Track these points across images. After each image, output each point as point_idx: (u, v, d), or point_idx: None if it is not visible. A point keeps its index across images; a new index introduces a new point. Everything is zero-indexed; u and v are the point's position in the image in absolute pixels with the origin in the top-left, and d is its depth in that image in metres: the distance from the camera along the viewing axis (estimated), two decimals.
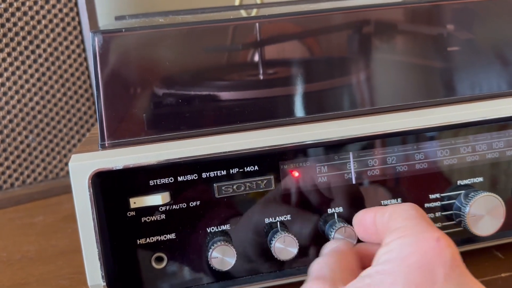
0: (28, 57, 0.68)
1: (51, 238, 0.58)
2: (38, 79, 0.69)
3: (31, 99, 0.69)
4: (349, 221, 0.41)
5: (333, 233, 0.40)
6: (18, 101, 0.68)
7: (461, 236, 0.44)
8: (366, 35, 0.47)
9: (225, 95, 0.43)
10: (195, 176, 0.40)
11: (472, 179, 0.44)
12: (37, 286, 0.48)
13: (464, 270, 0.30)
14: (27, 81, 0.68)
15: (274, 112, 0.43)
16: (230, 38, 0.44)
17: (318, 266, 0.35)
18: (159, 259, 0.41)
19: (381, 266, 0.31)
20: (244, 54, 0.46)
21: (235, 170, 0.40)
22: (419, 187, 0.43)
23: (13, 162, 0.69)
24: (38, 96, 0.69)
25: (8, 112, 0.68)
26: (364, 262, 0.36)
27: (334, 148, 0.41)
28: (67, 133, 0.72)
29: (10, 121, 0.68)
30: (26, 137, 0.70)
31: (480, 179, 0.44)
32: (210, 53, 0.44)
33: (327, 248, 0.39)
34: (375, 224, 0.36)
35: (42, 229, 0.61)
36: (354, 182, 0.42)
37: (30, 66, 0.68)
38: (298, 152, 0.41)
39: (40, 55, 0.69)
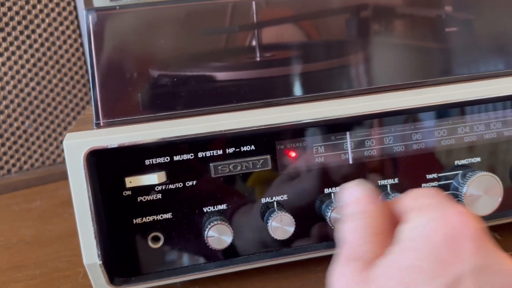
0: (23, 42, 0.68)
1: (48, 223, 0.58)
2: (34, 65, 0.69)
3: (27, 85, 0.69)
4: None
5: (329, 213, 0.40)
6: (14, 86, 0.68)
7: None
8: (364, 15, 0.46)
9: (221, 75, 0.43)
10: (191, 156, 0.40)
11: (469, 159, 0.44)
12: (35, 268, 0.47)
13: (493, 246, 0.28)
14: (22, 66, 0.68)
15: (271, 91, 0.43)
16: (227, 17, 0.44)
17: (349, 242, 0.30)
18: (155, 239, 0.40)
19: (404, 243, 0.28)
20: (241, 34, 0.46)
21: (231, 150, 0.40)
22: (416, 167, 0.43)
23: (9, 148, 0.69)
24: (34, 82, 0.69)
25: (4, 97, 0.68)
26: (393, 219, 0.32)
27: (331, 127, 0.41)
28: (64, 119, 0.72)
29: (6, 106, 0.68)
30: (23, 123, 0.69)
31: (478, 159, 0.44)
32: (207, 33, 0.44)
33: (351, 205, 0.32)
34: (392, 207, 0.32)
35: (39, 214, 0.61)
36: (351, 162, 0.42)
37: (25, 51, 0.68)
38: (295, 131, 0.41)
39: (35, 40, 0.68)
